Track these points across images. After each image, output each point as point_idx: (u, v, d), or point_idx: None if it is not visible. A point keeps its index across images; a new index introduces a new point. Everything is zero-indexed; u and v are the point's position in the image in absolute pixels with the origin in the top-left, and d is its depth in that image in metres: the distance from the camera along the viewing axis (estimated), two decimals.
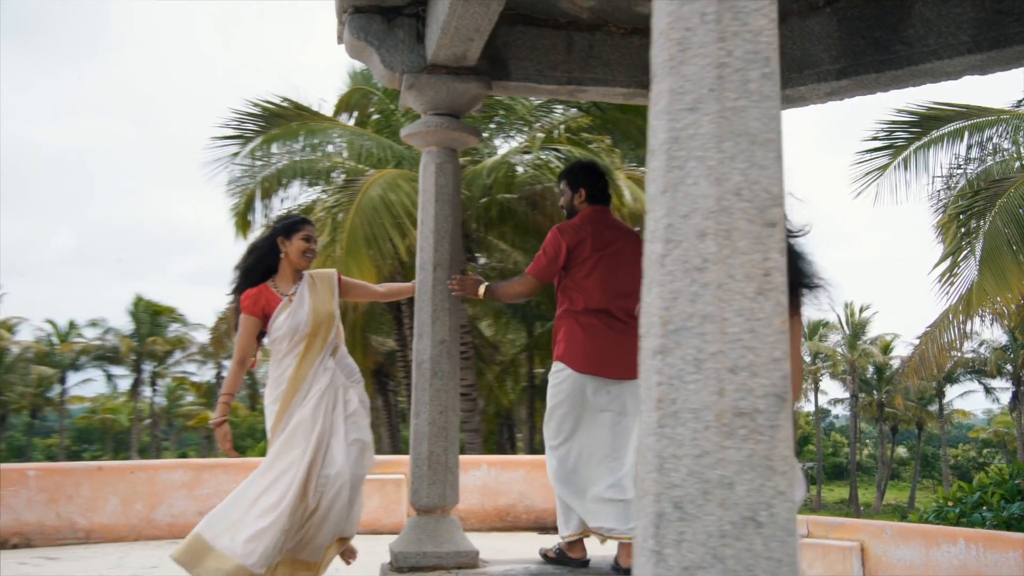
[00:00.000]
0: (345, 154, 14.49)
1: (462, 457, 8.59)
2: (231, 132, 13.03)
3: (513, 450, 26.66)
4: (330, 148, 14.55)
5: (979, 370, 38.80)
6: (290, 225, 4.69)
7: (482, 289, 4.54)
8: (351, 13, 4.66)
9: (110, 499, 7.41)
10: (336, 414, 4.54)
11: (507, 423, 27.56)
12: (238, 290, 4.68)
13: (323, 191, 14.57)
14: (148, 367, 43.25)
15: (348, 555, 4.74)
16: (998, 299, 9.82)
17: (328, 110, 15.22)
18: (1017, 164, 10.86)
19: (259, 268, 4.66)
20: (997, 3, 3.76)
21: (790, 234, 1.95)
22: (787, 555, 1.26)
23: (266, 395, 4.62)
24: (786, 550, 1.26)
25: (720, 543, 1.26)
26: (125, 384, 43.95)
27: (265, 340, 4.64)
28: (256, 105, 13.14)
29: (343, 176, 14.16)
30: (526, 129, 14.69)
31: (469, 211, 14.47)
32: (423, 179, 4.78)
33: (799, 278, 1.99)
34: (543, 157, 13.65)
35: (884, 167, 10.83)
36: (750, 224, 1.30)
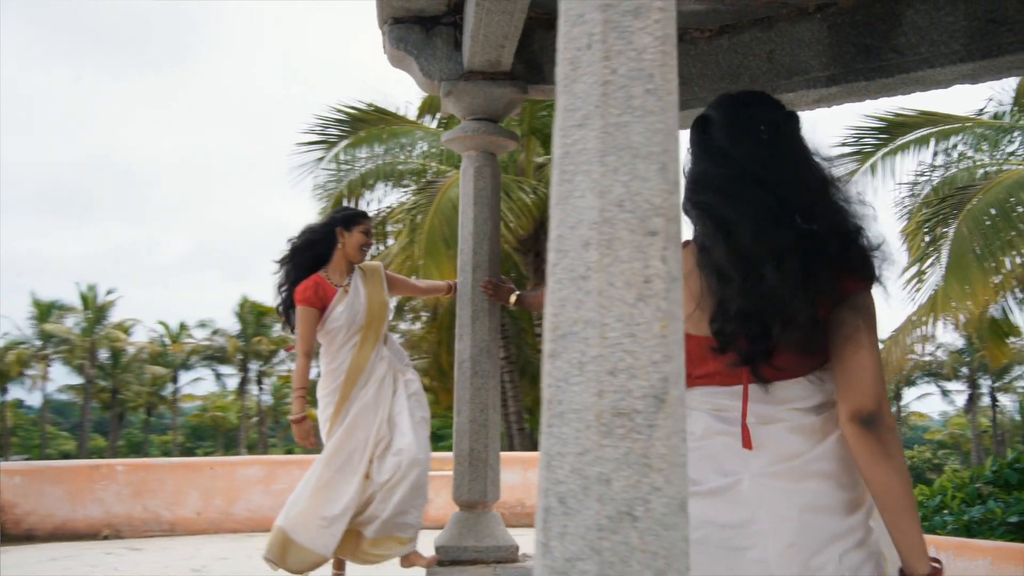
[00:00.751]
0: (428, 157, 14.71)
1: (524, 453, 8.69)
2: (315, 137, 13.36)
3: None
4: (416, 152, 14.77)
5: (936, 373, 38.88)
6: (350, 217, 4.77)
7: (513, 298, 4.58)
8: (390, 24, 4.77)
9: (191, 494, 7.76)
10: (398, 395, 4.66)
11: None
12: (284, 262, 4.77)
13: (407, 193, 14.81)
14: (254, 366, 44.64)
15: (426, 563, 4.76)
16: (966, 304, 9.63)
17: (413, 113, 15.48)
18: (981, 172, 10.64)
19: (309, 251, 4.74)
20: (990, 12, 3.65)
21: (875, 248, 1.97)
22: (663, 548, 1.30)
23: (320, 387, 4.70)
24: (662, 543, 1.31)
25: (598, 536, 1.31)
26: (233, 383, 45.57)
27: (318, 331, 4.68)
28: (339, 111, 13.45)
29: (426, 179, 14.36)
30: None
31: (545, 211, 14.53)
32: (463, 183, 4.88)
33: (870, 274, 2.00)
34: None
35: (852, 172, 10.66)
36: (631, 234, 1.36)
